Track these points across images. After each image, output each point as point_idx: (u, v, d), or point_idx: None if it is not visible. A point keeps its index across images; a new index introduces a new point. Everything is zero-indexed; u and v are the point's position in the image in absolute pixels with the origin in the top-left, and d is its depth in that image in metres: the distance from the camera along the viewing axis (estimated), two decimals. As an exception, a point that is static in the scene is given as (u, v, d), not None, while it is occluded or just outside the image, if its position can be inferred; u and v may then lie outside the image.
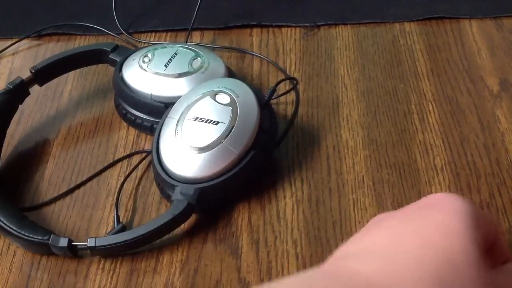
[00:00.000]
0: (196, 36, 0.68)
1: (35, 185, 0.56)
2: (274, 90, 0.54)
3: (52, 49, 0.68)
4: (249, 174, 0.52)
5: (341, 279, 0.29)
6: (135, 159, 0.57)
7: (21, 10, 0.73)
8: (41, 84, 0.61)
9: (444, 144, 0.56)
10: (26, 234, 0.49)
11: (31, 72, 0.59)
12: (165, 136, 0.52)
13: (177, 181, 0.50)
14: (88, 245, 0.48)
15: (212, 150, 0.50)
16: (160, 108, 0.56)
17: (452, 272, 0.30)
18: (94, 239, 0.48)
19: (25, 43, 0.69)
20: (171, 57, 0.58)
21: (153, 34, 0.69)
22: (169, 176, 0.51)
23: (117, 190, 0.54)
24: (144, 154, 0.57)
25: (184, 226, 0.51)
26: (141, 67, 0.58)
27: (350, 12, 0.69)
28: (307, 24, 0.68)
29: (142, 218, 0.53)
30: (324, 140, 0.57)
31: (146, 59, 0.58)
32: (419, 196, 0.52)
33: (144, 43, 0.68)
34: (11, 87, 0.58)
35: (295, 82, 0.60)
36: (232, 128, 0.51)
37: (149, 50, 0.59)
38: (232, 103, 0.52)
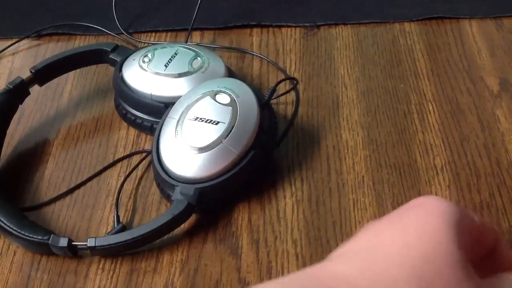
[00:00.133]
0: (196, 36, 0.68)
1: (35, 185, 0.56)
2: (274, 90, 0.54)
3: (52, 49, 0.68)
4: (249, 174, 0.52)
5: (323, 281, 0.30)
6: (135, 159, 0.57)
7: (21, 10, 0.73)
8: (41, 84, 0.61)
9: (444, 144, 0.56)
10: (26, 234, 0.49)
11: (31, 72, 0.59)
12: (165, 136, 0.52)
13: (177, 181, 0.50)
14: (88, 245, 0.48)
15: (212, 150, 0.50)
16: (160, 108, 0.56)
17: (431, 270, 0.30)
18: (94, 239, 0.48)
19: (25, 43, 0.69)
20: (171, 57, 0.58)
21: (153, 34, 0.69)
22: (169, 176, 0.51)
23: (117, 190, 0.54)
24: (144, 154, 0.57)
25: (184, 226, 0.51)
26: (141, 67, 0.58)
27: (350, 12, 0.69)
28: (307, 24, 0.68)
29: (142, 218, 0.53)
30: (324, 140, 0.57)
31: (146, 59, 0.58)
32: (419, 196, 0.52)
33: (144, 43, 0.68)
34: (11, 87, 0.58)
35: (295, 82, 0.60)
36: (232, 128, 0.51)
37: (149, 50, 0.59)
38: (232, 103, 0.52)
